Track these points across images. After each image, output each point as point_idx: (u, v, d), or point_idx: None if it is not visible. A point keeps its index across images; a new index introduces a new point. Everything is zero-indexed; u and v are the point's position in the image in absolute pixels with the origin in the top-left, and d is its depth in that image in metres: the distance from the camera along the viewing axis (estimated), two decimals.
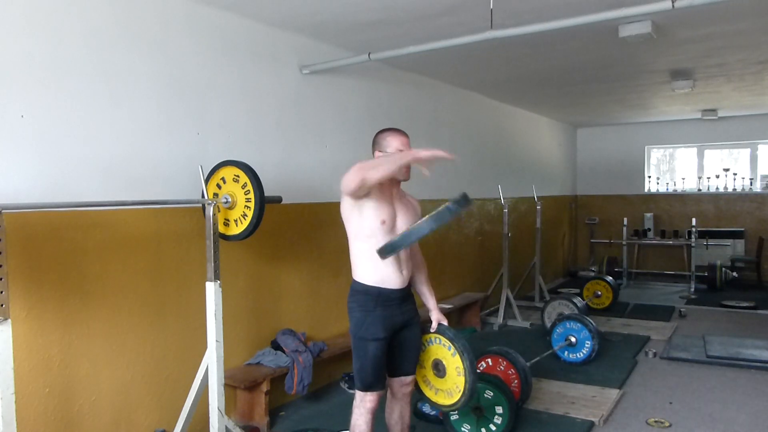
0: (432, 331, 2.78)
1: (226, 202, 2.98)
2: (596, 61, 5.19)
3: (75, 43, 2.85)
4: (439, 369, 2.75)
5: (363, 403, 2.62)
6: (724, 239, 8.96)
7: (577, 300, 5.92)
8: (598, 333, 4.89)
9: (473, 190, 6.79)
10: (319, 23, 3.93)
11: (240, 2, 3.51)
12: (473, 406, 3.36)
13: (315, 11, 3.68)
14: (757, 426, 3.65)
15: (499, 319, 6.34)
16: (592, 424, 3.67)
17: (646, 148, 10.01)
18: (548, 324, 5.67)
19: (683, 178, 9.68)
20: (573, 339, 4.89)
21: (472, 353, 2.66)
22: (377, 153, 2.74)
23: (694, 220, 8.89)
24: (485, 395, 3.34)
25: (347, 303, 2.70)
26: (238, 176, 2.99)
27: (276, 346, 3.90)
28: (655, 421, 3.72)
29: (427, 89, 5.88)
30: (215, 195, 3.04)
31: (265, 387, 3.59)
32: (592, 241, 10.23)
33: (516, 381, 3.78)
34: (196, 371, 2.91)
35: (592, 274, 9.08)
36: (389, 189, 2.66)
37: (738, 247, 9.02)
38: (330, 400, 4.18)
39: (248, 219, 2.94)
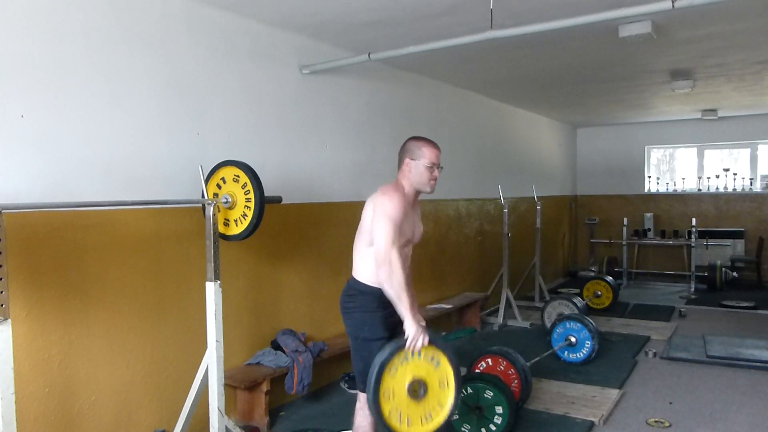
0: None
1: (226, 202, 2.98)
2: (596, 61, 5.19)
3: (75, 43, 2.85)
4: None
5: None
6: (724, 239, 8.96)
7: (577, 300, 5.92)
8: (598, 333, 4.89)
9: (473, 190, 6.80)
10: (319, 23, 3.93)
11: (240, 2, 3.51)
12: (473, 405, 3.36)
13: (315, 11, 3.68)
14: (757, 426, 3.65)
15: (499, 319, 6.34)
16: (592, 424, 3.67)
17: (646, 148, 10.01)
18: (548, 324, 5.68)
19: (683, 178, 9.68)
20: (573, 339, 4.89)
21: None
22: (407, 160, 2.65)
23: (694, 220, 8.89)
24: (485, 395, 3.34)
25: (342, 303, 2.70)
26: (238, 176, 2.99)
27: (276, 346, 3.90)
28: (655, 421, 3.72)
29: (427, 89, 5.88)
30: (215, 195, 3.04)
31: (265, 387, 3.59)
32: (592, 241, 10.23)
33: (516, 381, 3.78)
34: (196, 371, 2.91)
35: (592, 274, 9.08)
36: (413, 202, 2.71)
37: (738, 247, 9.02)
38: (330, 400, 4.18)
39: (248, 219, 2.94)
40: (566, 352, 4.92)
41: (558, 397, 4.11)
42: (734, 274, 8.43)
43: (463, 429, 3.39)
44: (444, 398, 2.44)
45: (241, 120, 3.77)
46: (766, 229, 8.94)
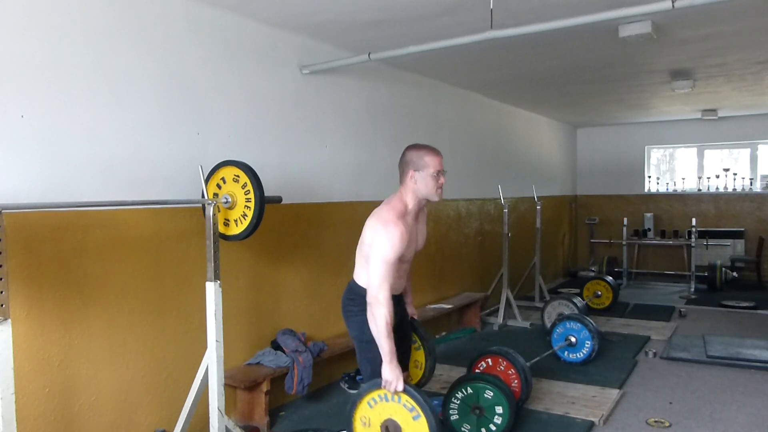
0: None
1: (226, 202, 2.98)
2: (596, 61, 5.19)
3: (75, 43, 2.85)
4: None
5: None
6: (724, 239, 8.96)
7: (577, 300, 5.92)
8: (598, 333, 4.89)
9: (473, 190, 6.80)
10: (319, 23, 3.93)
11: (240, 2, 3.51)
12: (473, 405, 3.36)
13: (315, 11, 3.68)
14: (757, 426, 3.65)
15: (499, 319, 6.34)
16: (592, 424, 3.67)
17: (646, 148, 10.01)
18: (548, 324, 5.67)
19: (683, 178, 9.68)
20: (573, 339, 4.88)
21: (434, 347, 2.72)
22: (412, 172, 2.59)
23: (694, 220, 8.89)
24: (485, 395, 3.34)
25: (343, 306, 2.71)
26: (238, 176, 2.99)
27: (276, 346, 3.90)
28: (655, 421, 3.72)
29: (427, 89, 5.88)
30: (215, 195, 3.04)
31: (265, 387, 3.59)
32: (592, 241, 10.22)
33: (516, 381, 3.78)
34: (196, 371, 2.91)
35: (592, 274, 9.08)
36: (416, 217, 2.67)
37: (738, 247, 9.02)
38: (330, 400, 4.18)
39: (248, 219, 2.94)
40: (566, 352, 4.92)
41: (558, 397, 4.11)
42: (734, 274, 8.43)
43: (463, 429, 3.39)
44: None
45: (241, 120, 3.77)
46: (766, 229, 8.94)
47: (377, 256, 2.45)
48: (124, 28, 3.07)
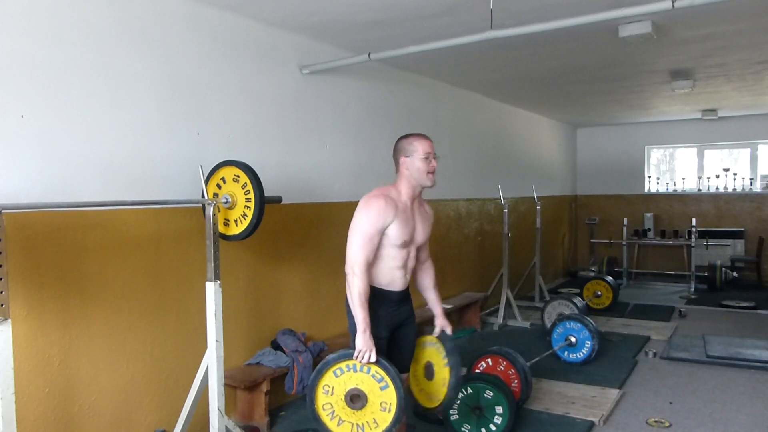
0: (435, 335, 2.78)
1: (226, 202, 2.98)
2: (596, 61, 5.19)
3: (75, 43, 2.85)
4: (429, 372, 2.68)
5: None
6: (724, 239, 8.96)
7: (577, 300, 5.92)
8: (598, 333, 4.89)
9: (473, 190, 6.80)
10: (319, 23, 3.93)
11: (240, 2, 3.51)
12: (473, 405, 3.36)
13: (315, 11, 3.68)
14: (757, 426, 3.65)
15: (499, 319, 6.34)
16: (592, 424, 3.67)
17: (646, 148, 10.01)
18: (548, 324, 5.67)
19: (683, 178, 9.68)
20: (573, 339, 4.88)
21: (460, 370, 2.68)
22: (403, 158, 2.61)
23: (694, 220, 8.89)
24: (485, 395, 3.34)
25: (347, 302, 2.70)
26: (238, 176, 2.99)
27: (276, 346, 3.90)
28: (655, 421, 3.72)
29: (427, 89, 5.88)
30: (215, 195, 3.04)
31: (265, 387, 3.58)
32: (592, 241, 10.22)
33: (516, 381, 3.78)
34: (196, 371, 2.91)
35: (592, 274, 9.08)
36: (411, 203, 2.66)
37: (738, 247, 9.02)
38: None
39: (248, 219, 2.94)
40: (566, 352, 4.92)
41: (558, 397, 4.11)
42: (734, 274, 8.44)
43: (463, 429, 3.39)
44: (381, 419, 2.44)
45: (241, 120, 3.77)
46: (766, 229, 8.94)
47: (354, 227, 2.51)
48: (124, 28, 3.07)
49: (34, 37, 2.70)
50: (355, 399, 2.46)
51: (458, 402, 3.39)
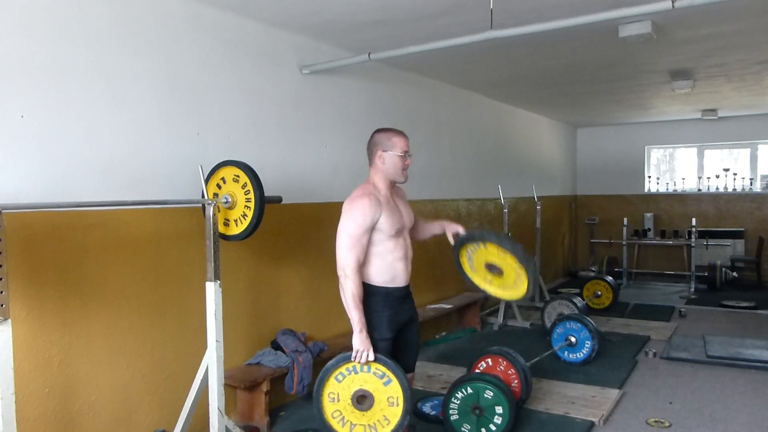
0: (453, 242, 2.79)
1: (226, 202, 2.98)
2: (596, 61, 5.19)
3: (75, 43, 2.85)
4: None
5: None
6: (724, 239, 8.96)
7: (577, 300, 5.92)
8: (598, 333, 4.89)
9: (473, 190, 6.80)
10: (319, 23, 3.93)
11: (240, 2, 3.51)
12: (473, 405, 3.36)
13: (315, 11, 3.68)
14: (757, 426, 3.65)
15: (499, 319, 6.34)
16: (592, 424, 3.67)
17: (646, 148, 10.01)
18: (548, 324, 5.67)
19: (683, 178, 9.68)
20: (573, 339, 4.88)
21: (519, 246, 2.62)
22: (380, 152, 2.67)
23: (694, 220, 8.89)
24: (485, 395, 3.34)
25: None
26: (238, 176, 2.99)
27: (276, 346, 3.90)
28: (655, 421, 3.72)
29: (427, 89, 5.88)
30: (215, 195, 3.04)
31: (265, 387, 3.59)
32: (592, 241, 10.23)
33: (516, 381, 3.78)
34: (196, 371, 2.91)
35: (592, 274, 9.08)
36: (390, 194, 2.71)
37: (738, 247, 9.02)
38: None
39: (248, 219, 2.94)
40: (566, 352, 4.92)
41: (558, 397, 4.11)
42: (734, 274, 8.43)
43: (463, 429, 3.39)
44: (391, 415, 2.46)
45: (241, 120, 3.77)
46: (766, 229, 8.93)
47: (341, 230, 2.55)
48: (124, 28, 3.07)
49: (34, 37, 2.70)
50: (362, 400, 2.47)
51: (458, 402, 3.39)
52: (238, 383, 3.52)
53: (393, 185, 2.74)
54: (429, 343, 5.56)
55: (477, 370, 3.86)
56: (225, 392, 2.93)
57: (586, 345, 4.84)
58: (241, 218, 2.97)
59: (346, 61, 4.31)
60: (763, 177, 9.21)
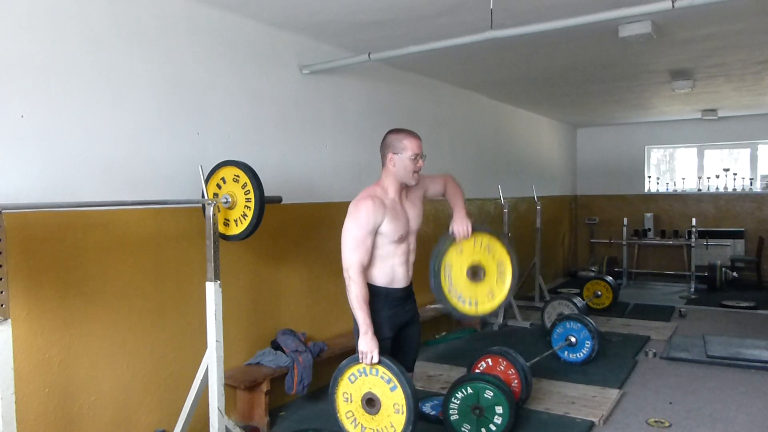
0: (449, 237, 2.77)
1: (226, 202, 2.98)
2: (596, 61, 5.19)
3: (75, 43, 2.85)
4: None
5: None
6: (724, 239, 8.96)
7: (577, 300, 5.92)
8: (598, 333, 4.89)
9: (473, 190, 6.79)
10: (319, 23, 3.93)
11: (240, 2, 3.51)
12: (473, 405, 3.36)
13: (315, 11, 3.68)
14: (757, 426, 3.65)
15: (499, 319, 6.34)
16: (592, 424, 3.67)
17: (646, 148, 10.01)
18: (548, 324, 5.67)
19: (683, 178, 9.68)
20: (573, 339, 4.88)
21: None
22: (390, 155, 2.61)
23: (694, 220, 8.89)
24: (485, 395, 3.34)
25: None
26: (238, 176, 2.99)
27: (276, 346, 3.90)
28: (655, 421, 3.72)
29: (427, 89, 5.88)
30: (215, 195, 3.04)
31: (265, 387, 3.59)
32: (592, 241, 10.22)
33: (516, 381, 3.78)
34: (196, 371, 2.91)
35: (592, 274, 9.07)
36: (400, 198, 2.67)
37: (738, 247, 9.02)
38: None
39: (248, 219, 2.94)
40: (566, 352, 4.92)
41: (558, 397, 4.11)
42: (734, 274, 8.43)
43: (463, 429, 3.39)
44: (396, 422, 2.42)
45: (240, 120, 3.77)
46: (766, 229, 8.93)
47: (345, 232, 2.55)
48: (124, 28, 3.07)
49: (34, 37, 2.70)
50: (371, 403, 2.47)
51: (458, 402, 3.39)
52: (238, 383, 3.52)
53: (405, 187, 2.70)
54: (429, 343, 5.56)
55: (477, 370, 3.86)
56: (225, 392, 2.93)
57: (586, 345, 4.84)
58: (241, 218, 2.97)
59: (346, 61, 4.31)
60: (763, 177, 9.21)
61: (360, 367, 2.49)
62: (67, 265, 2.84)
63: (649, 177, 10.06)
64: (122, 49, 3.06)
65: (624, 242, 9.49)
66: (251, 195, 2.92)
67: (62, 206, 2.74)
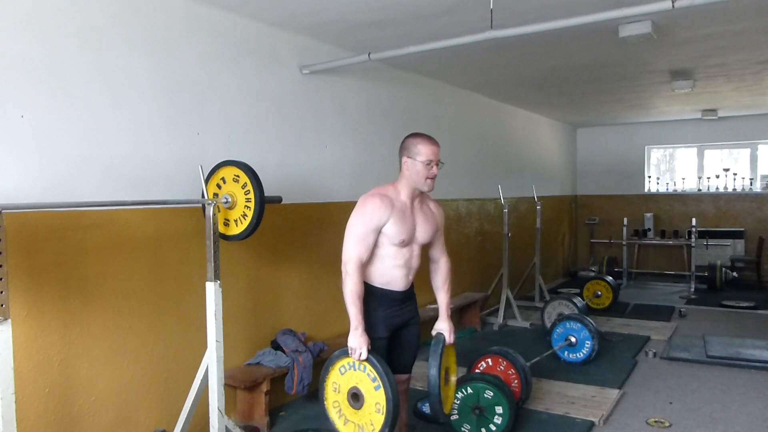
0: (432, 333, 2.74)
1: (226, 202, 2.98)
2: (596, 61, 5.19)
3: (75, 43, 2.85)
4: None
5: None
6: (724, 239, 8.96)
7: (577, 300, 5.92)
8: (598, 333, 4.89)
9: (473, 190, 6.80)
10: (319, 23, 3.93)
11: (240, 2, 3.51)
12: (473, 405, 3.36)
13: (315, 11, 3.68)
14: (757, 426, 3.65)
15: (499, 319, 6.34)
16: (592, 424, 3.67)
17: (646, 148, 10.01)
18: (548, 324, 5.67)
19: (683, 178, 9.68)
20: (573, 339, 4.88)
21: (438, 369, 2.56)
22: (405, 158, 2.58)
23: (694, 220, 8.89)
24: (485, 395, 3.34)
25: None
26: (238, 176, 2.99)
27: (276, 346, 3.90)
28: (655, 421, 3.72)
29: (427, 89, 5.88)
30: (215, 195, 3.04)
31: (265, 387, 3.59)
32: (592, 241, 10.23)
33: (516, 381, 3.78)
34: (196, 371, 2.92)
35: (592, 274, 9.07)
36: (410, 202, 2.64)
37: (738, 247, 9.02)
38: None
39: (248, 219, 2.94)
40: (566, 352, 4.92)
41: (558, 397, 4.11)
42: (734, 274, 8.43)
43: (463, 429, 3.39)
44: (376, 421, 2.40)
45: (241, 120, 3.77)
46: (766, 229, 8.93)
47: (349, 226, 2.54)
48: (124, 27, 3.07)
49: (34, 37, 2.70)
50: (355, 398, 2.47)
51: (458, 402, 3.39)
52: (238, 383, 3.52)
53: (420, 194, 2.65)
54: (429, 343, 5.55)
55: (477, 370, 3.87)
56: (225, 392, 2.93)
57: (586, 345, 4.84)
58: (241, 218, 2.97)
59: (346, 61, 4.31)
60: (763, 177, 9.21)
61: (350, 360, 2.49)
62: (67, 265, 2.84)
63: (649, 177, 10.06)
64: (122, 49, 3.06)
65: (624, 242, 9.50)
66: (251, 195, 2.92)
67: (62, 206, 2.74)
